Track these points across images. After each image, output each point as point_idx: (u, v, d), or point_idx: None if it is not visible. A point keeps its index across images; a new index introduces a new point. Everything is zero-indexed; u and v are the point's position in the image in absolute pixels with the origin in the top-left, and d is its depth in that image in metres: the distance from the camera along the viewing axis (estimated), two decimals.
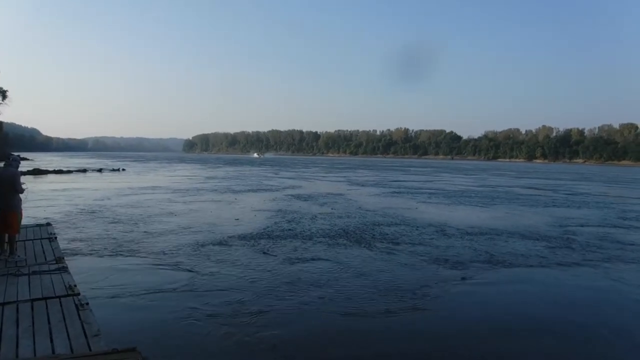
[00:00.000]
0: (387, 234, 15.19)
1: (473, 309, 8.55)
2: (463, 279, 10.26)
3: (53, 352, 4.77)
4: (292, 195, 28.51)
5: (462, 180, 52.55)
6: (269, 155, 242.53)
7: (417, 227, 16.82)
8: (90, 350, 4.79)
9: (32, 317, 5.67)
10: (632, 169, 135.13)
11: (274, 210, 20.46)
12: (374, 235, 15.01)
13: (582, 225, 18.32)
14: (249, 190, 31.75)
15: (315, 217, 18.82)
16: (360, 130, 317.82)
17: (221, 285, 9.29)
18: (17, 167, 9.04)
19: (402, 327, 7.44)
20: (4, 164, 8.94)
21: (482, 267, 11.25)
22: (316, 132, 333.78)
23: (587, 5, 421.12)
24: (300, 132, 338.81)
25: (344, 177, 54.22)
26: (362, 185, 40.13)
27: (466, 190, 36.72)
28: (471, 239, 14.67)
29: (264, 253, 12.13)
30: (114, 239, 13.50)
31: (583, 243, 14.53)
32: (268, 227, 16.00)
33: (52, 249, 9.39)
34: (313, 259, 11.59)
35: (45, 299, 6.33)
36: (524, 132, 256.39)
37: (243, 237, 14.04)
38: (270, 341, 6.72)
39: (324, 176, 55.57)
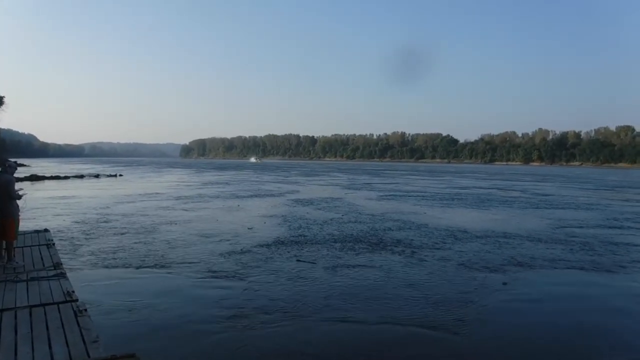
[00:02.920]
0: (405, 239, 15.16)
1: (523, 316, 8.33)
2: (504, 284, 10.07)
3: (52, 358, 4.75)
4: (294, 200, 28.56)
5: (425, 182, 53.11)
6: (266, 160, 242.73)
7: (431, 231, 16.88)
8: (88, 356, 4.77)
9: (31, 324, 5.64)
10: (627, 171, 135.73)
11: (282, 217, 20.25)
12: (392, 240, 14.93)
13: (581, 227, 18.45)
14: (250, 196, 31.58)
15: (326, 222, 18.72)
16: (357, 134, 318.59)
17: (241, 295, 9.09)
18: (13, 173, 9.01)
19: (456, 338, 7.15)
20: (0, 171, 8.91)
21: (515, 271, 11.17)
22: (313, 137, 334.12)
23: (583, 8, 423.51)
24: (297, 136, 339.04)
25: (329, 181, 54.69)
26: (348, 188, 41.22)
27: (419, 191, 37.18)
28: (489, 243, 14.77)
29: (298, 261, 11.88)
30: (122, 248, 13.12)
31: (598, 245, 14.71)
32: (284, 234, 15.73)
33: (50, 255, 9.36)
34: (345, 266, 11.35)
35: (44, 305, 6.31)
36: (520, 135, 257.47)
37: (263, 246, 13.73)
38: (291, 353, 6.60)
39: (313, 180, 56.04)
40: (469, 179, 65.70)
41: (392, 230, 17.08)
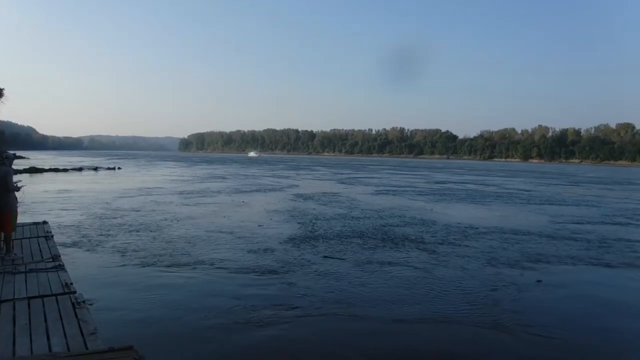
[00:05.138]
0: (420, 235, 15.08)
1: (568, 316, 8.12)
2: (539, 281, 9.90)
3: (50, 350, 4.74)
4: (295, 195, 28.59)
5: (411, 178, 53.51)
6: (265, 155, 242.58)
7: (441, 227, 16.84)
8: (87, 348, 4.77)
9: (29, 315, 5.65)
10: (623, 169, 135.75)
11: (289, 213, 19.99)
12: (408, 237, 14.79)
13: (580, 223, 18.50)
14: (252, 191, 31.47)
15: (334, 219, 18.52)
16: (356, 129, 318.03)
17: (272, 292, 8.94)
18: (11, 165, 8.98)
19: (506, 337, 6.98)
20: None
21: (544, 269, 11.05)
22: (312, 132, 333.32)
23: (583, 3, 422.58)
24: (296, 131, 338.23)
25: (318, 175, 54.93)
26: (342, 183, 42.17)
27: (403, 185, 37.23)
28: (502, 239, 14.70)
29: (325, 257, 11.74)
30: (128, 244, 12.83)
31: (611, 242, 14.85)
32: (298, 231, 15.38)
33: (49, 247, 9.37)
34: (372, 263, 11.21)
35: (42, 297, 6.31)
36: (520, 131, 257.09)
37: (282, 242, 13.50)
38: (285, 346, 6.54)
39: (303, 174, 56.38)
40: (445, 173, 68.99)
41: (402, 226, 17.04)
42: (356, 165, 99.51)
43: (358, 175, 57.15)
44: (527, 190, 37.54)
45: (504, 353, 6.60)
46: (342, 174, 61.13)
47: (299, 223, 17.23)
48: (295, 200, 25.39)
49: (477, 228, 16.84)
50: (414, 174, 63.33)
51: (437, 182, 46.06)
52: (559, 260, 12.05)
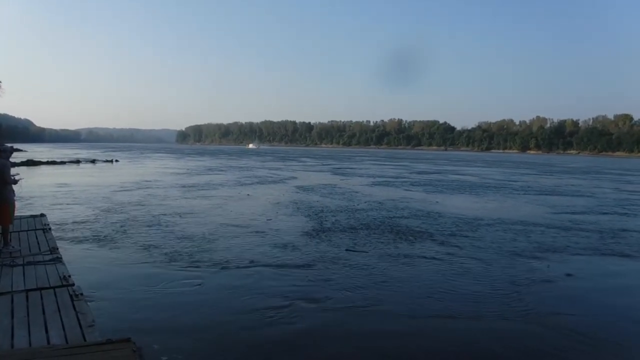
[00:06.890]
0: (433, 227, 14.91)
1: (608, 312, 7.86)
2: (569, 275, 9.66)
3: (48, 342, 4.74)
4: (296, 187, 28.63)
5: (398, 169, 53.61)
6: (264, 146, 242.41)
7: (452, 219, 16.67)
8: (84, 340, 4.77)
9: (27, 308, 5.64)
10: (623, 160, 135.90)
11: (293, 206, 19.75)
12: (421, 229, 14.59)
13: (581, 213, 18.53)
14: (253, 183, 31.31)
15: (340, 211, 18.21)
16: (354, 121, 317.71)
17: (263, 286, 8.79)
18: (8, 157, 8.95)
19: (546, 332, 6.82)
20: None
21: (568, 261, 10.88)
22: (309, 123, 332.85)
23: None
24: (294, 122, 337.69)
25: (306, 167, 55.12)
26: (336, 174, 42.87)
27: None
28: (515, 231, 14.52)
29: (347, 250, 11.53)
30: (135, 240, 12.52)
31: (617, 232, 14.86)
32: (309, 225, 15.02)
33: (47, 240, 9.36)
34: (393, 257, 10.95)
35: (40, 289, 6.30)
36: (518, 123, 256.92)
37: (299, 236, 13.26)
38: (285, 340, 6.45)
39: (291, 164, 56.83)
40: (428, 164, 71.06)
41: (412, 218, 16.93)
42: (346, 157, 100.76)
43: (344, 166, 59.04)
44: (513, 181, 37.94)
45: (544, 352, 6.31)
46: (329, 164, 62.70)
47: (307, 216, 17.03)
48: (297, 193, 25.37)
49: (484, 219, 16.75)
50: (398, 165, 64.43)
51: (419, 173, 46.92)
52: (579, 252, 11.82)
